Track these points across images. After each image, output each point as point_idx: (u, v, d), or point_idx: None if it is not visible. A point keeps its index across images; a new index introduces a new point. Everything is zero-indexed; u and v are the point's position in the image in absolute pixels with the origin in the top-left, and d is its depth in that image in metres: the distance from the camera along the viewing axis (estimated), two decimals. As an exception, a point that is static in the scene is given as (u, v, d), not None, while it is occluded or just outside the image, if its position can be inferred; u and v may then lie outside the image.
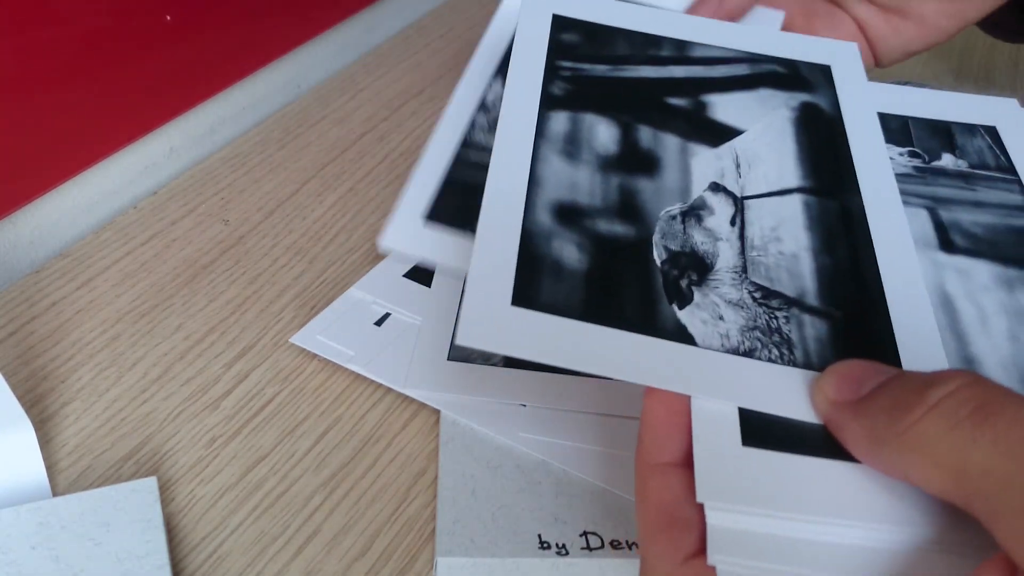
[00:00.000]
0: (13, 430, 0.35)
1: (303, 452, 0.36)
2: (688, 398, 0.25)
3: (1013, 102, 0.36)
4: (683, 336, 0.27)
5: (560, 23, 0.38)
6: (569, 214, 0.30)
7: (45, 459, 0.35)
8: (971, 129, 0.35)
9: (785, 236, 0.30)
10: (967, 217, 0.32)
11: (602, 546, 0.32)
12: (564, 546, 0.32)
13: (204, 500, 0.34)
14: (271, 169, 0.52)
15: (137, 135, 0.51)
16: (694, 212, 0.31)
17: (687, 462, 0.24)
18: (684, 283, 0.29)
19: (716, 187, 0.32)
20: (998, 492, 0.19)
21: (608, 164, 0.32)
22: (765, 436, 0.24)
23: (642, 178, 0.32)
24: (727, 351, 0.26)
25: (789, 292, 0.29)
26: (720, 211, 0.31)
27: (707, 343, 0.27)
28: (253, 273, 0.45)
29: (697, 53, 0.37)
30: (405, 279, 0.43)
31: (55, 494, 0.34)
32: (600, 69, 0.36)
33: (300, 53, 0.61)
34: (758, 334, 0.27)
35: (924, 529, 0.22)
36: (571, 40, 0.37)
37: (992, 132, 0.35)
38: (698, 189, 0.32)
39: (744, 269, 0.29)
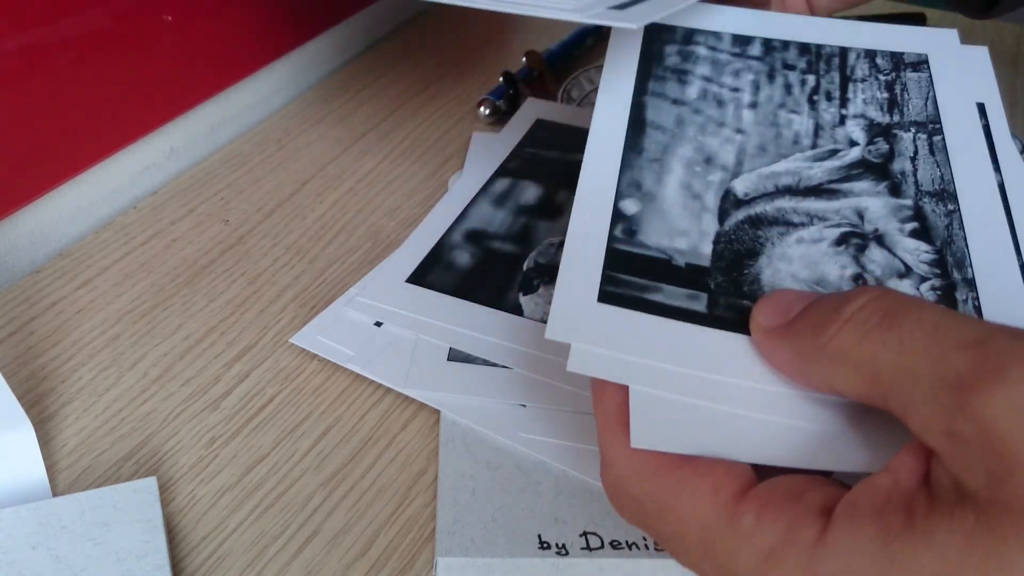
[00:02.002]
0: (13, 430, 0.35)
1: (303, 452, 0.36)
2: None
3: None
4: (516, 311, 0.41)
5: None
6: (475, 236, 0.46)
7: (45, 459, 0.35)
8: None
9: None
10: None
11: (602, 546, 0.32)
12: (564, 546, 0.32)
13: (204, 500, 0.34)
14: (271, 169, 0.52)
15: (137, 135, 0.51)
16: None
17: None
18: (536, 282, 0.42)
19: None
20: (907, 385, 0.21)
21: (522, 209, 0.47)
22: (620, 299, 0.28)
23: (543, 219, 0.47)
24: (542, 321, 0.40)
25: None
26: None
27: (531, 316, 0.40)
28: (253, 273, 0.45)
29: None
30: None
31: (55, 494, 0.34)
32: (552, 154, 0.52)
33: (300, 53, 0.61)
34: None
35: (819, 422, 0.24)
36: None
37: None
38: None
39: None
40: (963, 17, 0.70)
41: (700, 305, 0.28)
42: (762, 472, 0.23)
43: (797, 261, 0.29)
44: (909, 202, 0.31)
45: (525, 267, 0.43)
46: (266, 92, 0.59)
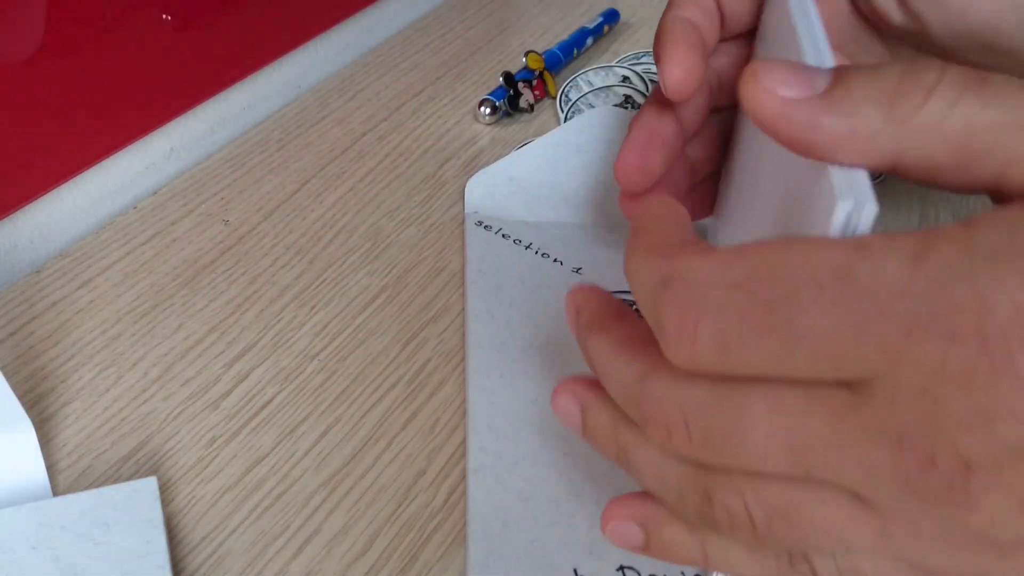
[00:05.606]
0: (13, 430, 0.35)
1: (303, 452, 0.36)
2: None
3: None
4: None
5: None
6: None
7: (45, 459, 0.35)
8: None
9: None
10: None
11: None
12: None
13: (204, 500, 0.34)
14: (271, 169, 0.52)
15: (137, 135, 0.51)
16: None
17: None
18: None
19: None
20: (1010, 140, 0.20)
21: None
22: None
23: None
24: None
25: None
26: None
27: None
28: (253, 273, 0.45)
29: None
30: None
31: (55, 494, 0.34)
32: None
33: (300, 53, 0.61)
34: None
35: None
36: None
37: None
38: None
39: None
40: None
41: None
42: None
43: None
44: None
45: None
46: (266, 92, 0.59)
